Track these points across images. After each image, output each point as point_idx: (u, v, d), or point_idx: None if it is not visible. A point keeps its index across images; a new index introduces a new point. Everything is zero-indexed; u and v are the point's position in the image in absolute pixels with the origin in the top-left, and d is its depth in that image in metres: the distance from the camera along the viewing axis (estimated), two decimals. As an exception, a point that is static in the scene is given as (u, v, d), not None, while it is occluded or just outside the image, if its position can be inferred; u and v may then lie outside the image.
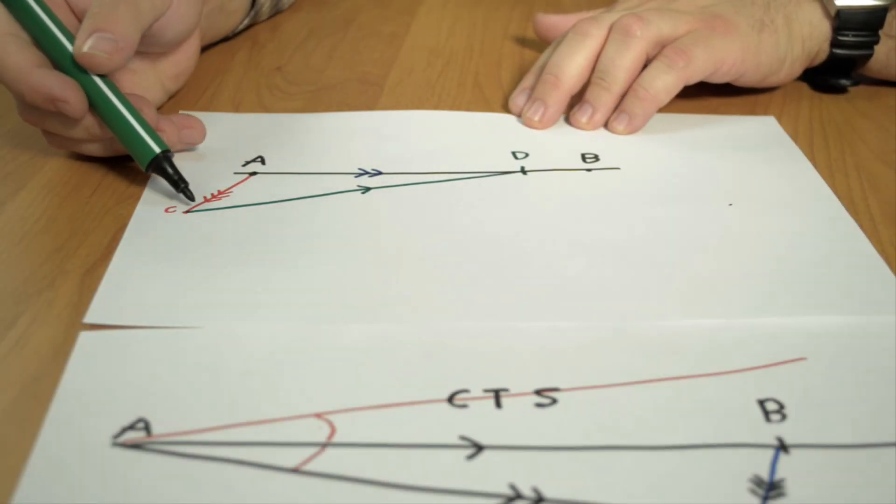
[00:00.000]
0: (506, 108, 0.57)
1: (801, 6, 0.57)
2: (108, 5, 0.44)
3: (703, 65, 0.53)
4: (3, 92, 0.59)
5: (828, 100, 0.60)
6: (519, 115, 0.56)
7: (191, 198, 0.46)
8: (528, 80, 0.57)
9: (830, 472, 0.32)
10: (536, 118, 0.54)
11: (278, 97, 0.59)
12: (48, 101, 0.44)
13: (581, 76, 0.54)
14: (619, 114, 0.54)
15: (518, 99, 0.57)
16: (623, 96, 0.54)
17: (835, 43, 0.57)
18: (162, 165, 0.46)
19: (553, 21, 0.63)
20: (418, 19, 0.73)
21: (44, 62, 0.45)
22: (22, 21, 0.46)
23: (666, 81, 0.52)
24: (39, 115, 0.47)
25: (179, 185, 0.46)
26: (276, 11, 0.72)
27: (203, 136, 0.51)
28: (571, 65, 0.54)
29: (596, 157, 0.52)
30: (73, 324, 0.38)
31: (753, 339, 0.38)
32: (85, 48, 0.44)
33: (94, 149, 0.49)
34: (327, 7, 0.75)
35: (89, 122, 0.46)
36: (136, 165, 0.50)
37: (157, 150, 0.46)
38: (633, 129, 0.54)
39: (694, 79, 0.53)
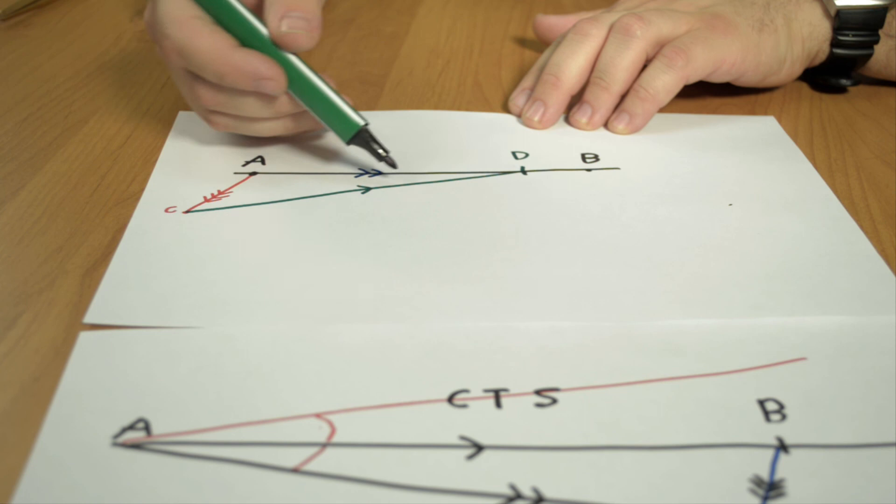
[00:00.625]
0: (506, 108, 0.57)
1: (800, 6, 0.57)
2: None
3: (703, 64, 0.53)
4: (2, 92, 0.59)
5: (828, 100, 0.60)
6: (519, 116, 0.56)
7: (393, 165, 0.49)
8: (528, 81, 0.57)
9: (830, 472, 0.32)
10: (536, 118, 0.54)
11: (278, 97, 0.59)
12: (252, 79, 0.45)
13: (581, 76, 0.54)
14: (619, 113, 0.54)
15: (518, 99, 0.57)
16: (623, 96, 0.54)
17: (835, 43, 0.57)
18: (364, 137, 0.48)
19: (553, 22, 0.63)
20: (418, 19, 0.73)
21: (236, 43, 0.46)
22: (203, 4, 0.46)
23: (665, 81, 0.52)
24: (228, 96, 0.47)
25: (382, 155, 0.48)
26: None
27: None
28: (572, 65, 0.54)
29: (596, 157, 0.52)
30: (73, 324, 0.38)
31: (753, 339, 0.38)
32: (284, 28, 0.45)
33: (272, 127, 0.49)
34: (327, 7, 0.75)
35: (283, 99, 0.47)
36: (136, 165, 0.50)
37: (361, 122, 0.48)
38: (633, 129, 0.54)
39: (693, 78, 0.53)
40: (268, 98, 0.47)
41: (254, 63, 0.45)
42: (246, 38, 0.46)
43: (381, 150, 0.48)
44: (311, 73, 0.47)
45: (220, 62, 0.45)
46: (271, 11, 0.45)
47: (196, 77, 0.47)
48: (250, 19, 0.46)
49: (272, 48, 0.46)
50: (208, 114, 0.49)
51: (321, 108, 0.47)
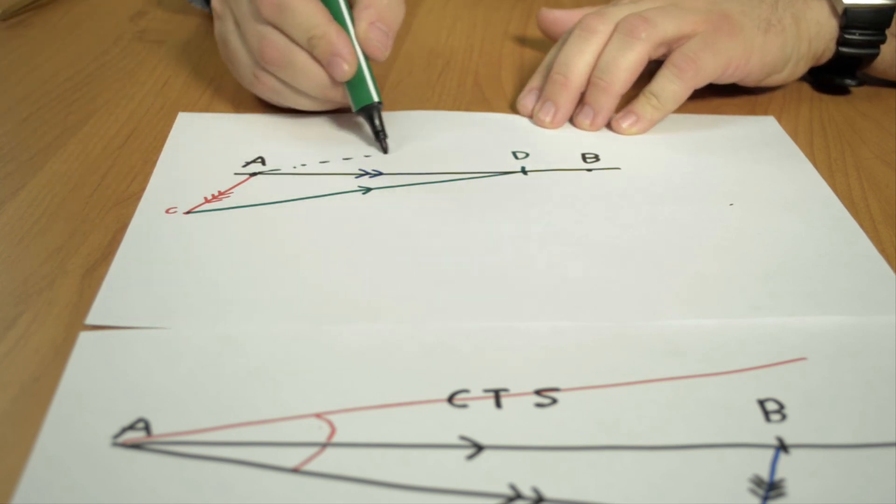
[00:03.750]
0: (506, 108, 0.57)
1: (809, 5, 0.56)
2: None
3: (712, 71, 0.53)
4: (2, 92, 0.59)
5: (828, 100, 0.60)
6: (528, 117, 0.56)
7: (385, 150, 0.51)
8: (535, 80, 0.57)
9: (830, 472, 0.32)
10: (548, 119, 0.55)
11: (278, 97, 0.59)
12: (331, 54, 0.49)
13: (589, 74, 0.54)
14: (627, 113, 0.54)
15: (526, 100, 0.56)
16: (622, 96, 0.54)
17: (841, 41, 0.57)
18: (371, 113, 0.51)
19: (557, 16, 0.63)
20: (418, 19, 0.73)
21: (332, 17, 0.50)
22: None
23: (675, 90, 0.53)
24: (292, 60, 0.50)
25: (380, 134, 0.51)
26: None
27: None
28: (580, 63, 0.54)
29: (596, 157, 0.52)
30: (73, 324, 0.38)
31: (753, 339, 0.38)
32: (370, 34, 0.50)
33: (310, 105, 0.53)
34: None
35: (340, 89, 0.51)
36: (136, 165, 0.50)
37: (376, 99, 0.51)
38: (637, 132, 0.54)
39: (701, 85, 0.54)
40: (329, 80, 0.50)
41: (343, 40, 0.49)
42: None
43: (381, 132, 0.51)
44: (358, 46, 0.50)
45: (319, 26, 0.49)
46: (364, 13, 0.50)
47: (269, 35, 0.49)
48: (343, 9, 0.50)
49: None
50: (258, 71, 0.52)
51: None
